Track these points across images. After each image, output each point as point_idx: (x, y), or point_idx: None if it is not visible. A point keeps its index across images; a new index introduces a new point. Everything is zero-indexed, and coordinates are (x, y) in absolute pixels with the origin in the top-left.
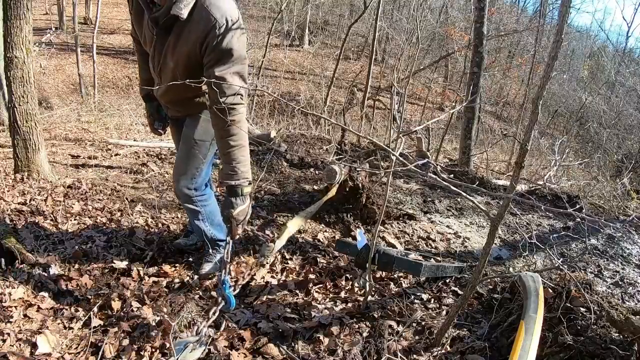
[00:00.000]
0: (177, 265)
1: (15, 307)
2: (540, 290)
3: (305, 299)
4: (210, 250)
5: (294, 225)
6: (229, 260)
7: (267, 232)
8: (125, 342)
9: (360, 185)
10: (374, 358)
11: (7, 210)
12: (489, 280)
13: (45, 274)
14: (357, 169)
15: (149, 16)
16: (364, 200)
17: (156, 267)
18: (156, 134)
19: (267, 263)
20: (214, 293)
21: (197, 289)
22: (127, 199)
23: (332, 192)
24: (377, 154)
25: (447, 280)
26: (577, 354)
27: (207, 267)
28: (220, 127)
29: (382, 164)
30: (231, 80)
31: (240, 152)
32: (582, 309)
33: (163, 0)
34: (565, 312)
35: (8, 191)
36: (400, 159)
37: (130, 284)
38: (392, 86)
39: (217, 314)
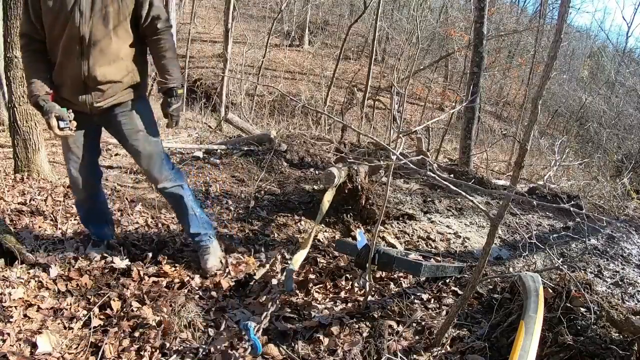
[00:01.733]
0: (177, 265)
1: (15, 307)
2: (540, 290)
3: (305, 299)
4: (202, 243)
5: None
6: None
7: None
8: (125, 342)
9: (359, 186)
10: (374, 358)
11: (7, 210)
12: (489, 280)
13: (45, 274)
14: (357, 170)
15: None
16: (363, 201)
17: (156, 267)
18: (63, 135)
19: (267, 264)
20: (214, 293)
21: (198, 289)
22: (127, 199)
23: (331, 194)
24: (377, 154)
25: (447, 280)
26: (577, 354)
27: (209, 259)
28: (163, 43)
29: (382, 163)
30: (161, 5)
31: (175, 61)
32: (582, 309)
33: None
34: (565, 312)
35: (8, 191)
36: (401, 157)
37: (130, 284)
38: (392, 86)
39: None
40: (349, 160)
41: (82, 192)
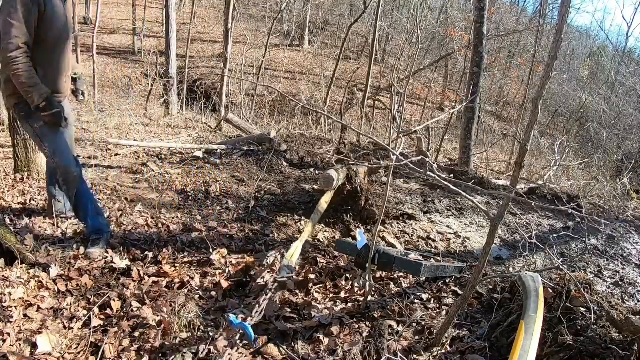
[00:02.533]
0: (177, 265)
1: (15, 307)
2: (540, 290)
3: (305, 299)
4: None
5: (303, 238)
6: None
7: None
8: (125, 342)
9: (359, 187)
10: (374, 358)
11: (7, 210)
12: (489, 280)
13: (45, 274)
14: (356, 171)
15: None
16: (362, 202)
17: (156, 267)
18: (64, 126)
19: (267, 263)
20: (214, 293)
21: (198, 289)
22: (127, 199)
23: (329, 196)
24: (377, 154)
25: (447, 280)
26: (577, 354)
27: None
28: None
29: (382, 163)
30: None
31: None
32: (582, 309)
33: None
34: (565, 312)
35: (8, 191)
36: (401, 158)
37: (130, 284)
38: (392, 86)
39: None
40: (348, 161)
41: (81, 178)
